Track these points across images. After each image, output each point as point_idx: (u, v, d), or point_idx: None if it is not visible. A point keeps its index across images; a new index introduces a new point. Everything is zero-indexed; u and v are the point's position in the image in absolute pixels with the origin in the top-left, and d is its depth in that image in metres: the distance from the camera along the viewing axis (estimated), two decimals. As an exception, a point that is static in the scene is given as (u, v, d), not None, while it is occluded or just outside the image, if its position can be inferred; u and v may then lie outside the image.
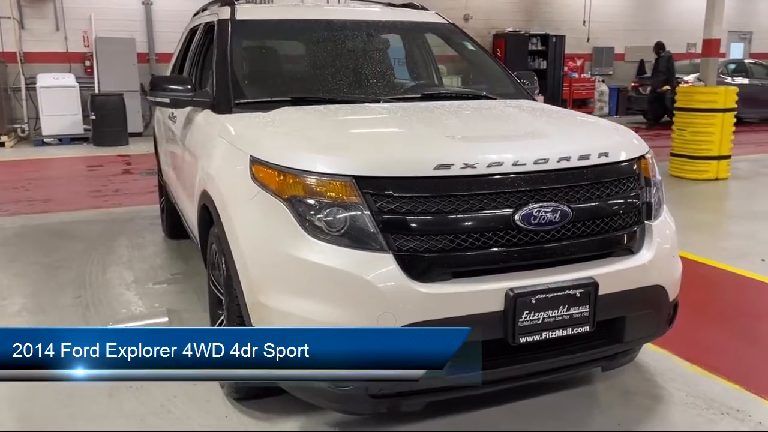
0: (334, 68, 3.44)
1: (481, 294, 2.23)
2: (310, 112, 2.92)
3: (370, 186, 2.24)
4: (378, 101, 3.18)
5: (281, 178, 2.35)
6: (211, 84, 3.34)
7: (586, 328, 2.37)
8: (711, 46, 8.22)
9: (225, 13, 3.70)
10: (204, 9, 4.95)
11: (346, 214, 2.23)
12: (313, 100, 3.14)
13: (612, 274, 2.41)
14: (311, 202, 2.27)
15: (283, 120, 2.83)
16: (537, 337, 2.29)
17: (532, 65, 15.65)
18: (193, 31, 4.75)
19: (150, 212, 6.34)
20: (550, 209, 2.31)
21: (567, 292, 2.30)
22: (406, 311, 2.17)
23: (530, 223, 2.29)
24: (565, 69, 16.46)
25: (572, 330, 2.34)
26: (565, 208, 2.34)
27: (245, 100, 3.13)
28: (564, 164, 2.41)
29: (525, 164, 2.35)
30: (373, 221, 2.21)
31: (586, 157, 2.47)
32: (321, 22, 3.70)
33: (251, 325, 2.39)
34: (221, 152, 2.79)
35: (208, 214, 2.91)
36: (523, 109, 3.15)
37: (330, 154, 2.36)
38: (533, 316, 2.27)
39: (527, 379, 2.52)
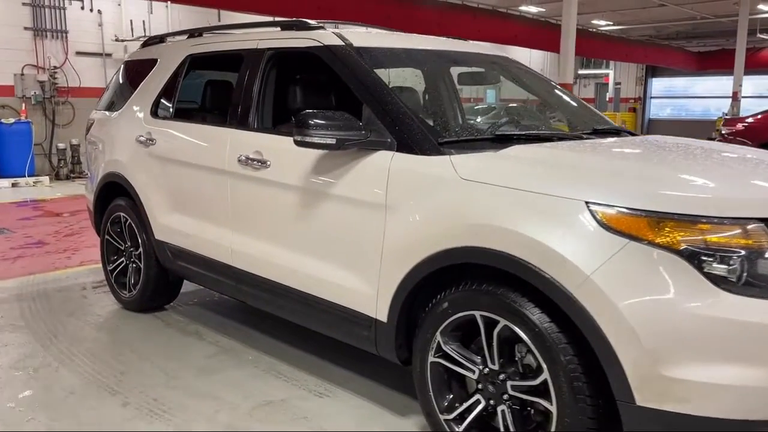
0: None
1: None
2: (566, 149, 2.59)
3: (774, 228, 2.05)
4: (579, 138, 2.96)
5: (666, 226, 2.04)
6: (370, 121, 2.77)
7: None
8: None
9: (328, 39, 3.13)
10: (198, 34, 4.15)
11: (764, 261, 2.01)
12: (516, 138, 2.79)
13: None
14: (719, 251, 2.01)
15: (558, 159, 2.47)
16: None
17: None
18: (199, 60, 3.96)
19: (54, 282, 5.06)
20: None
21: None
22: None
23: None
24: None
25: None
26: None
27: (448, 140, 2.68)
28: None
29: None
30: (796, 267, 2.02)
31: None
32: (448, 53, 3.38)
33: (632, 402, 2.03)
34: (502, 200, 2.29)
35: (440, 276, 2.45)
36: (688, 143, 3.07)
37: (725, 197, 2.13)
38: None
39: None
